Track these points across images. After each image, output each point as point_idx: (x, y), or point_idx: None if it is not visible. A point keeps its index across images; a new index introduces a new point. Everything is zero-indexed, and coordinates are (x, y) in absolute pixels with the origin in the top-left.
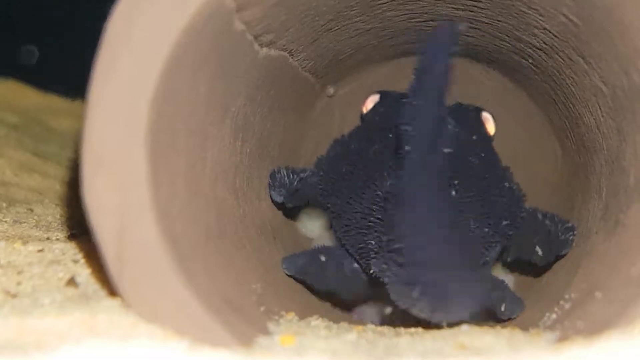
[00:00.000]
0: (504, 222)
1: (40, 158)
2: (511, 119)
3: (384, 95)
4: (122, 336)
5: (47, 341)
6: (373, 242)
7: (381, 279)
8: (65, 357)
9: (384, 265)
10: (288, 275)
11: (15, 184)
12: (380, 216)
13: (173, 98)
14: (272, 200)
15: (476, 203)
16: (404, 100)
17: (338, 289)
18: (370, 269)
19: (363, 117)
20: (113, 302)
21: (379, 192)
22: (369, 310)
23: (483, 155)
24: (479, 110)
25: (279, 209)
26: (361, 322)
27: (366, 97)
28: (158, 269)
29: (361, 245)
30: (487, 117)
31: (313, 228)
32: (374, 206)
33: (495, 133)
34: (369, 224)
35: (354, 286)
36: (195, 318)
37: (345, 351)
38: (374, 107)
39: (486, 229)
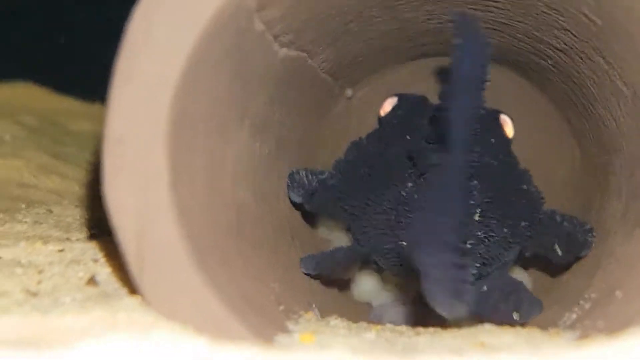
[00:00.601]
0: (523, 224)
1: (58, 160)
2: (529, 121)
3: (401, 98)
4: (143, 333)
5: (68, 338)
6: (405, 244)
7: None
8: (86, 353)
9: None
10: (306, 274)
11: (33, 186)
12: (411, 216)
13: (193, 98)
14: (291, 201)
15: (495, 205)
16: (442, 100)
17: (345, 271)
18: (395, 270)
19: (381, 120)
20: (133, 301)
21: (403, 193)
22: (387, 311)
23: (501, 157)
24: (497, 113)
25: (297, 209)
26: (379, 322)
27: (384, 100)
28: (178, 267)
29: (388, 247)
30: (505, 119)
31: (331, 230)
32: (398, 206)
33: (514, 135)
34: (400, 224)
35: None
36: (215, 316)
37: (364, 349)
38: (392, 109)
39: (505, 230)
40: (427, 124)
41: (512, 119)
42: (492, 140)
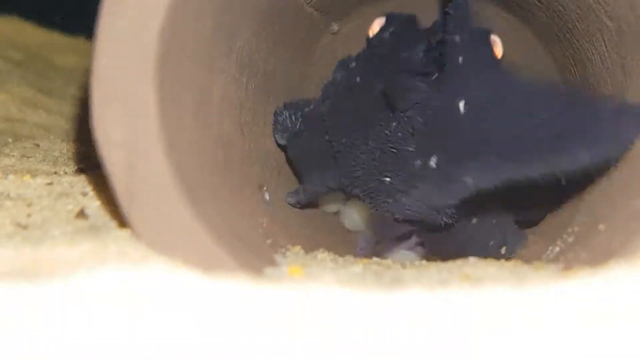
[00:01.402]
0: None
1: (44, 94)
2: (515, 56)
3: (390, 17)
4: (133, 265)
5: (59, 269)
6: (388, 180)
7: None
8: (79, 284)
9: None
10: (291, 205)
11: (20, 120)
12: (395, 151)
13: (180, 32)
14: (276, 141)
15: None
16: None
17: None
18: (378, 209)
19: (369, 40)
20: (123, 233)
21: (387, 132)
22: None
23: None
24: (487, 33)
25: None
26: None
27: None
28: (167, 200)
29: (372, 185)
30: (495, 39)
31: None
32: (382, 145)
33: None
34: (385, 161)
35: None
36: (205, 249)
37: (353, 282)
38: (380, 30)
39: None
40: (416, 45)
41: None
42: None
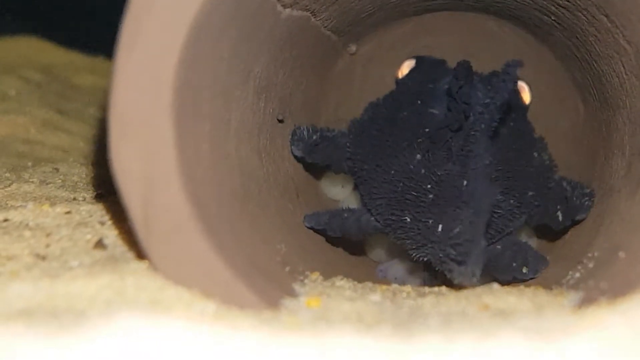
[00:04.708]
0: (530, 193)
1: (63, 116)
2: (533, 75)
3: (419, 60)
4: (151, 299)
5: (76, 305)
6: (408, 220)
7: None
8: (95, 327)
9: (429, 247)
10: (308, 228)
11: (39, 142)
12: (415, 194)
13: (197, 63)
14: (294, 155)
15: (503, 176)
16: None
17: (354, 237)
18: (397, 240)
19: (398, 82)
20: (141, 265)
21: (411, 166)
22: (393, 266)
23: (512, 124)
24: (513, 84)
25: (302, 166)
26: (385, 279)
27: (388, 55)
28: (185, 232)
29: (392, 218)
30: (522, 86)
31: (337, 191)
32: (405, 180)
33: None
34: (406, 200)
35: (370, 238)
36: (222, 280)
37: (370, 313)
38: (410, 72)
39: (512, 201)
40: (442, 90)
41: (530, 85)
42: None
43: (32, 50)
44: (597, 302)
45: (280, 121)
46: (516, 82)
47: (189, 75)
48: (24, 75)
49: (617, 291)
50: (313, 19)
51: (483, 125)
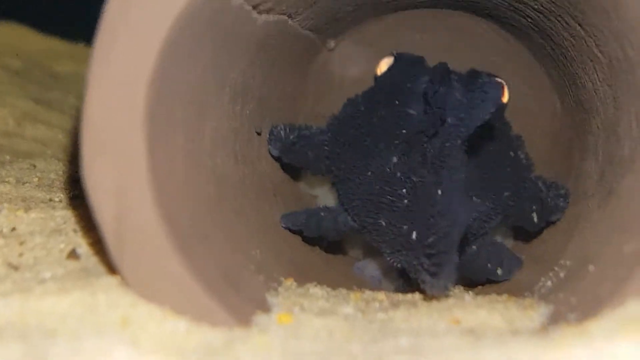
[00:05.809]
0: (506, 194)
1: (43, 106)
2: (511, 71)
3: (398, 57)
4: (122, 317)
5: (47, 324)
6: (383, 224)
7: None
8: (65, 345)
9: (404, 254)
10: (285, 228)
11: (19, 135)
12: (391, 197)
13: (171, 77)
14: (271, 155)
15: (479, 177)
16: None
17: (332, 238)
18: (373, 242)
19: (376, 79)
20: (112, 280)
21: (387, 169)
22: (369, 265)
23: (488, 125)
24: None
25: (280, 165)
26: (361, 276)
27: (367, 51)
28: (156, 249)
29: (369, 220)
30: (500, 83)
31: (313, 187)
32: (381, 182)
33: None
34: (381, 203)
35: (348, 237)
36: (194, 297)
37: (341, 330)
38: (388, 69)
39: (488, 203)
40: (419, 90)
41: (508, 84)
42: None
43: (11, 37)
44: (565, 320)
45: (259, 134)
46: (497, 106)
47: (162, 89)
48: (2, 63)
49: (586, 308)
50: (290, 21)
51: (459, 141)
